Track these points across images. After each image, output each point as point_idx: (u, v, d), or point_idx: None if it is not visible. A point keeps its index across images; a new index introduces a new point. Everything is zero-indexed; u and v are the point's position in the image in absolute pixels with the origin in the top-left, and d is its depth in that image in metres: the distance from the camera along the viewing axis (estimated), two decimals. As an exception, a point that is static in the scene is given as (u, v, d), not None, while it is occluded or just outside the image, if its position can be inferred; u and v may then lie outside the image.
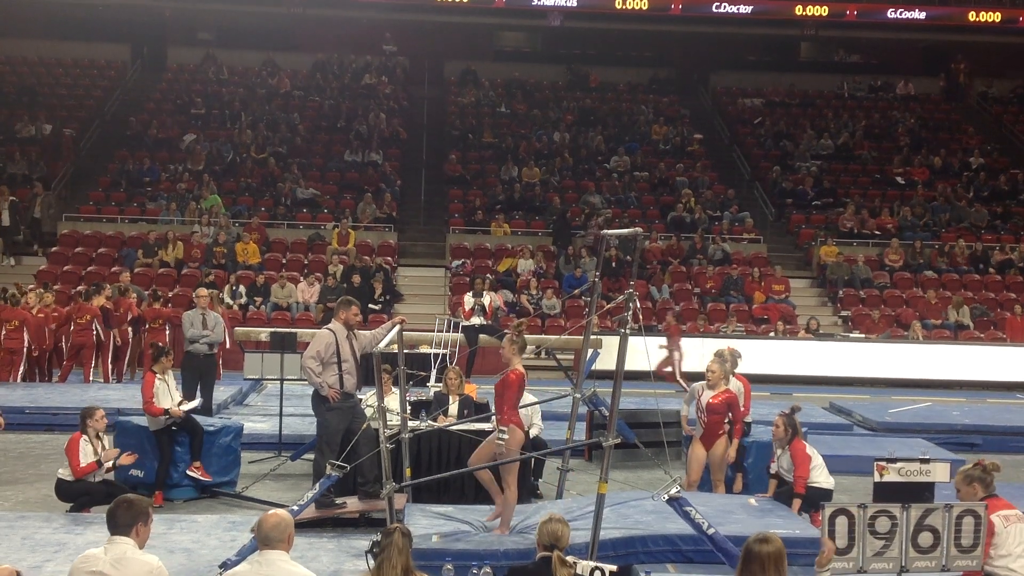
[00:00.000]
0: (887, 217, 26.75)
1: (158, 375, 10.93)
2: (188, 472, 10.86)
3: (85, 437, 9.74)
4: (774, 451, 10.05)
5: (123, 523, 5.51)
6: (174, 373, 11.44)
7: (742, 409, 11.10)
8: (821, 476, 9.66)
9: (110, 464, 9.83)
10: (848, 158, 29.89)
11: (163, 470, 10.75)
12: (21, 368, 16.88)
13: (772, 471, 10.06)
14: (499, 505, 8.85)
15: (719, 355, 10.72)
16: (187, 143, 27.53)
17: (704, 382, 10.60)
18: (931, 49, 34.33)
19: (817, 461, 9.68)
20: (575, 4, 31.20)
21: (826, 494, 9.45)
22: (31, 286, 18.79)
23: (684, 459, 11.31)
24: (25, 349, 16.80)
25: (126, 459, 9.99)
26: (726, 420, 10.51)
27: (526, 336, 8.37)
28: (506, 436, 8.49)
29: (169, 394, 10.95)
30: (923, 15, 31.90)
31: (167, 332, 17.95)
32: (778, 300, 23.30)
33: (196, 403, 11.35)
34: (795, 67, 34.77)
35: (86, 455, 9.68)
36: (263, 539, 5.39)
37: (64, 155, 26.69)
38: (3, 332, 16.67)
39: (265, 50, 32.09)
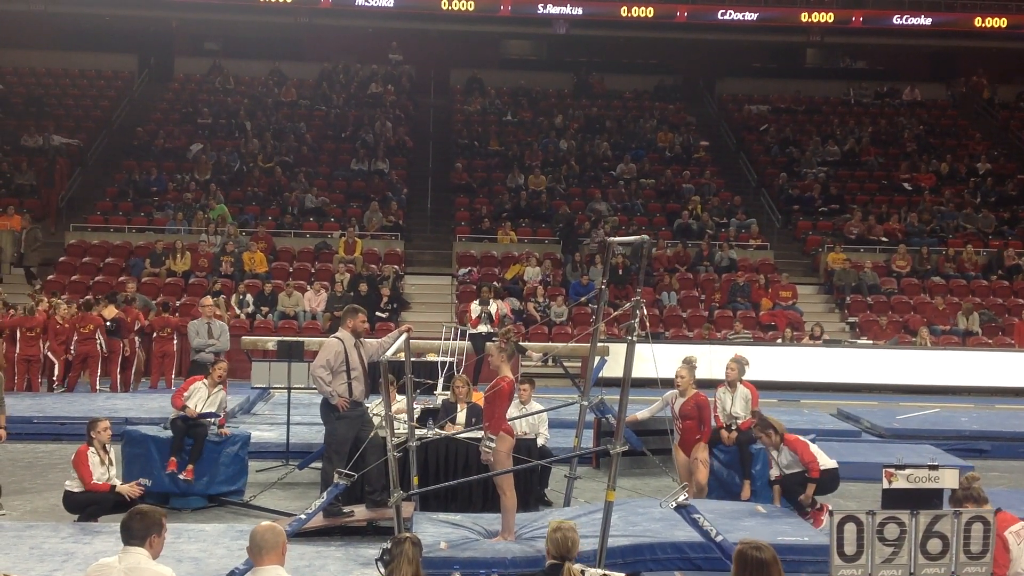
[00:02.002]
0: (894, 223, 26.73)
1: (204, 380, 11.25)
2: (180, 473, 10.86)
3: (92, 449, 9.75)
4: (769, 456, 10.11)
5: (137, 534, 5.50)
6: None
7: (750, 416, 11.13)
8: (821, 458, 9.84)
9: (127, 488, 9.87)
10: (855, 164, 29.87)
11: (177, 444, 10.86)
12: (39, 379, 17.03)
13: (772, 477, 10.08)
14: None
15: (687, 361, 10.79)
16: (194, 153, 27.60)
17: (675, 390, 10.64)
18: (938, 55, 34.32)
19: (813, 447, 9.82)
20: (581, 12, 31.26)
21: (833, 473, 9.63)
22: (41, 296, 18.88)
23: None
24: (42, 358, 16.90)
25: (134, 490, 9.97)
26: (700, 424, 10.58)
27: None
28: (493, 445, 8.51)
29: (203, 403, 11.10)
30: (929, 21, 31.89)
31: (175, 341, 18.02)
32: (785, 307, 23.27)
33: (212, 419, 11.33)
34: (801, 74, 34.79)
35: (94, 467, 9.69)
36: (255, 552, 5.34)
37: (57, 184, 26.01)
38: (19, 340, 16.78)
39: (271, 60, 32.18)
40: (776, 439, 9.85)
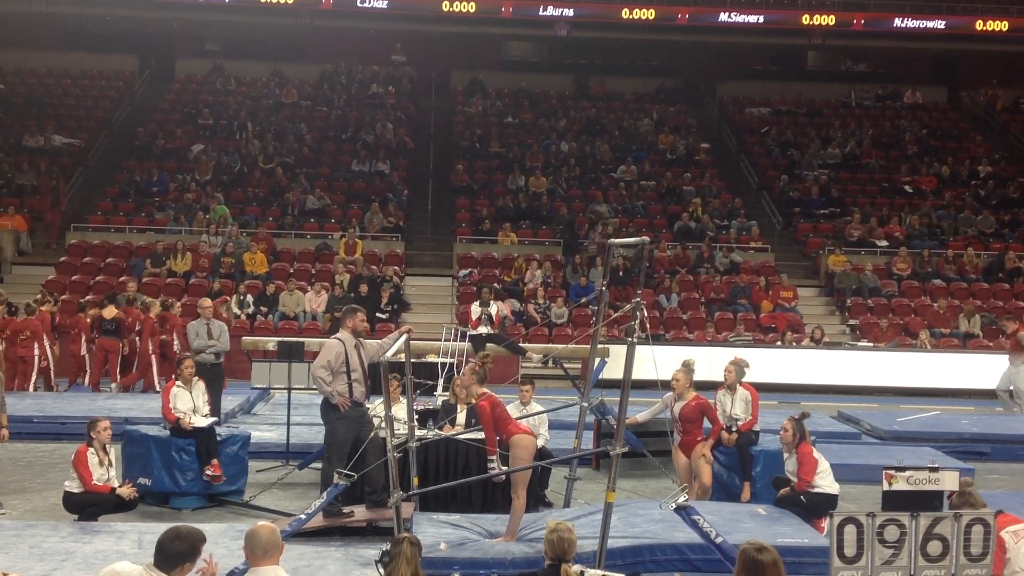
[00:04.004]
0: (895, 226, 26.73)
1: (178, 383, 11.12)
2: (204, 473, 10.89)
3: (91, 449, 9.74)
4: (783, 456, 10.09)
5: (170, 560, 5.15)
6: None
7: (751, 418, 11.11)
8: (826, 481, 9.68)
9: (125, 491, 9.86)
10: (855, 167, 29.88)
11: (214, 447, 10.90)
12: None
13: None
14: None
15: (685, 365, 10.78)
16: (195, 153, 27.62)
17: (672, 392, 10.64)
18: (939, 58, 34.32)
19: (823, 466, 9.71)
20: (582, 14, 31.26)
21: (831, 500, 9.49)
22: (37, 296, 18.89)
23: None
24: (36, 358, 16.88)
25: (126, 491, 9.93)
26: (702, 426, 10.59)
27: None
28: (493, 466, 8.69)
29: (192, 403, 11.10)
30: (930, 24, 31.88)
31: (175, 341, 18.00)
32: (787, 309, 23.25)
33: (210, 421, 11.30)
34: (802, 76, 34.76)
35: (93, 467, 9.68)
36: (256, 553, 5.26)
37: (55, 199, 25.49)
38: (19, 340, 16.76)
39: (272, 61, 32.22)
40: (792, 442, 9.76)
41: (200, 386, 11.38)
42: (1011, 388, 17.88)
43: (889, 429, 15.38)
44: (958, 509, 6.83)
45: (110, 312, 17.56)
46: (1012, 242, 26.51)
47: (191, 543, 5.23)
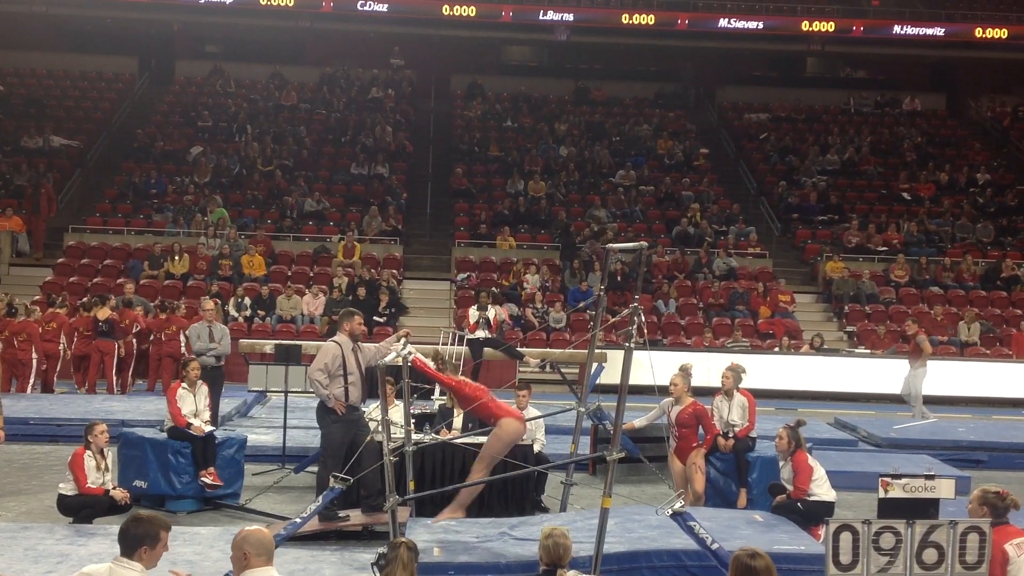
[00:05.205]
0: (893, 233, 26.74)
1: (183, 385, 11.13)
2: (201, 479, 10.88)
3: (88, 452, 9.72)
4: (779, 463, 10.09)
5: (129, 544, 5.18)
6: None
7: (748, 424, 11.11)
8: (822, 488, 9.67)
9: (118, 493, 9.85)
10: (854, 173, 29.88)
11: (212, 452, 10.92)
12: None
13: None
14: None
15: (682, 369, 10.78)
16: (194, 155, 27.61)
17: (670, 398, 10.63)
18: (938, 65, 34.36)
19: (819, 474, 9.71)
20: (582, 18, 31.28)
21: (827, 507, 9.47)
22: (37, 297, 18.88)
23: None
24: (34, 361, 16.85)
25: (119, 493, 9.90)
26: (698, 432, 10.58)
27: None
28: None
29: (194, 406, 11.11)
30: (929, 31, 31.91)
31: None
32: (785, 315, 23.23)
33: (207, 431, 11.25)
34: (801, 82, 34.81)
35: (89, 471, 9.67)
36: (253, 555, 5.18)
37: (44, 209, 25.18)
38: (16, 343, 16.71)
39: (272, 63, 32.22)
40: (787, 449, 9.75)
41: (204, 390, 11.38)
42: (911, 392, 17.93)
43: (886, 436, 15.38)
44: (979, 503, 6.69)
45: (103, 313, 17.48)
46: (1010, 250, 26.53)
47: (148, 527, 5.21)
